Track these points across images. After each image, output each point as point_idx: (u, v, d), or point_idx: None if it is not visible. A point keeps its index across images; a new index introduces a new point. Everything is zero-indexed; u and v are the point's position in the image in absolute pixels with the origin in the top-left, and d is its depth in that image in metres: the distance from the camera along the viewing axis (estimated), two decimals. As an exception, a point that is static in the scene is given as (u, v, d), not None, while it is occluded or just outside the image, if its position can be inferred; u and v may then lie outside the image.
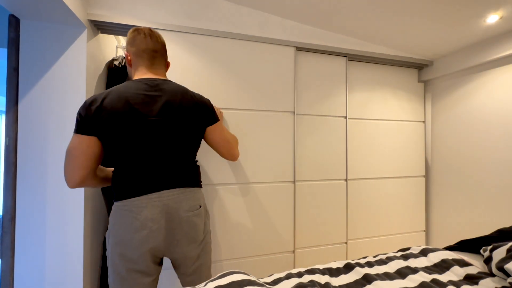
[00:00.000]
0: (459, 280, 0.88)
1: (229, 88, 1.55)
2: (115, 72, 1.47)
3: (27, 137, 1.23)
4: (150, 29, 1.03)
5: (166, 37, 1.44)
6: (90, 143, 0.90)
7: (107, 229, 0.99)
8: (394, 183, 1.98)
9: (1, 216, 1.69)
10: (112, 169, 1.02)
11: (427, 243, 2.10)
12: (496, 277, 0.87)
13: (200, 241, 1.03)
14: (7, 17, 1.21)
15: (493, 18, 1.44)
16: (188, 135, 1.01)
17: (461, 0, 1.33)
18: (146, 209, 0.92)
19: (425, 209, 2.08)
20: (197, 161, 1.11)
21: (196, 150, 1.08)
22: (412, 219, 2.04)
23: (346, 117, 1.84)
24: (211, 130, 1.09)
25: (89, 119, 0.88)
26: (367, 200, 1.91)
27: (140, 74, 1.00)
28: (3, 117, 3.57)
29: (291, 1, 1.51)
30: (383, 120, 1.96)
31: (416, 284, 0.84)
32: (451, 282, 0.85)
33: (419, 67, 2.07)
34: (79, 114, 0.90)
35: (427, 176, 2.12)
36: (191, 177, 1.04)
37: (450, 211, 1.95)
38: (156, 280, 0.99)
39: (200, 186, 1.08)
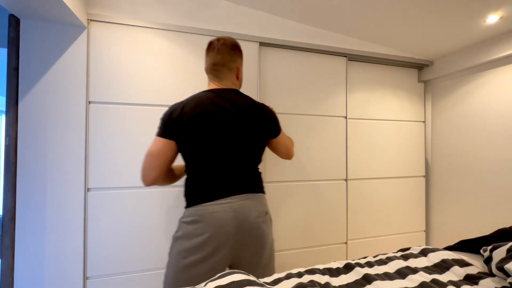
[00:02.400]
0: (459, 280, 0.87)
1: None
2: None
3: (27, 137, 1.23)
4: (224, 41, 1.06)
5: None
6: (170, 146, 0.97)
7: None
8: (394, 183, 1.98)
9: (1, 216, 1.69)
10: (180, 165, 1.12)
11: (427, 243, 2.10)
12: (496, 277, 0.87)
13: (268, 249, 1.05)
14: (7, 17, 1.21)
15: (493, 18, 1.44)
16: (255, 143, 1.05)
17: (461, 0, 1.33)
18: (217, 215, 0.95)
19: (425, 209, 2.08)
20: (259, 168, 1.13)
21: (260, 158, 1.11)
22: (412, 219, 2.04)
23: (346, 117, 1.84)
24: (274, 141, 1.15)
25: (171, 125, 0.96)
26: (367, 200, 1.90)
27: (210, 85, 1.08)
28: (3, 117, 3.57)
29: (291, 1, 1.51)
30: (383, 120, 1.96)
31: (416, 284, 0.84)
32: (451, 282, 0.85)
33: (419, 67, 2.07)
34: (163, 119, 0.99)
35: (427, 176, 2.12)
36: (257, 183, 1.07)
37: (450, 211, 1.95)
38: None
39: (264, 192, 1.10)
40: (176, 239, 1.00)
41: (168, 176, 1.04)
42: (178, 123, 0.96)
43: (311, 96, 1.75)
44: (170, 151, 0.97)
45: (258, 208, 1.02)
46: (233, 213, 0.97)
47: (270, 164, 1.65)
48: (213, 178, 0.99)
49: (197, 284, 0.93)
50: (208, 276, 0.95)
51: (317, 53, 1.76)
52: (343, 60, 1.83)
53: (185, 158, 1.01)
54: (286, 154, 1.22)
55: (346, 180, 1.84)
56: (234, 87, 1.09)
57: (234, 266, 1.02)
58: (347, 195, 1.84)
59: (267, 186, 1.64)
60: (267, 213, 1.06)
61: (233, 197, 0.98)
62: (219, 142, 0.98)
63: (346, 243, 1.84)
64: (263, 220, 1.02)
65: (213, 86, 1.07)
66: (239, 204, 0.98)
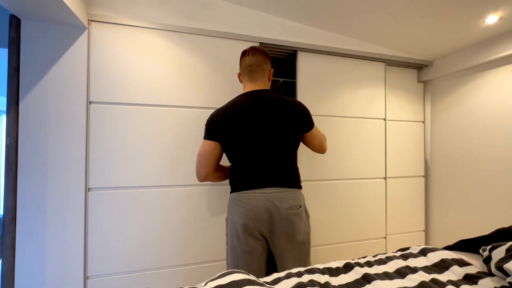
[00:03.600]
0: (459, 280, 0.88)
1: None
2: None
3: (27, 137, 1.24)
4: (257, 47, 1.22)
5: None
6: (215, 147, 1.14)
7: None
8: (394, 183, 1.98)
9: (2, 216, 1.69)
10: (228, 165, 1.26)
11: (426, 243, 2.10)
12: (495, 277, 0.87)
13: (298, 240, 1.14)
14: (8, 18, 1.22)
15: (492, 19, 1.45)
16: (287, 139, 1.15)
17: (460, 1, 1.34)
18: (253, 201, 1.10)
19: (424, 209, 2.09)
20: (295, 163, 1.22)
21: (295, 153, 1.21)
22: (411, 219, 2.04)
23: (385, 119, 1.93)
24: (308, 135, 1.23)
25: (213, 128, 1.13)
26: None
27: (245, 88, 1.21)
28: (4, 117, 3.57)
29: (293, 1, 1.51)
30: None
31: (415, 284, 0.84)
32: (450, 282, 0.85)
33: (418, 67, 2.07)
34: (207, 125, 1.16)
35: (426, 176, 2.12)
36: (291, 178, 1.16)
37: (449, 210, 1.95)
38: (262, 266, 1.15)
39: (300, 187, 1.20)
40: (226, 220, 1.19)
41: (218, 172, 1.22)
42: (219, 127, 1.11)
43: (351, 100, 1.84)
44: (215, 150, 1.15)
45: (290, 201, 1.12)
46: (266, 202, 1.09)
47: (315, 164, 1.72)
48: (250, 170, 1.13)
49: (251, 258, 1.11)
50: (255, 254, 1.12)
51: (355, 59, 1.85)
52: (382, 65, 1.91)
53: (228, 154, 1.17)
54: (319, 147, 1.30)
55: (385, 178, 1.93)
56: (265, 87, 1.21)
57: (272, 250, 1.16)
58: (386, 192, 1.93)
59: (312, 184, 1.72)
60: (300, 206, 1.16)
61: (267, 188, 1.11)
62: (255, 139, 1.11)
63: (385, 237, 1.91)
64: (294, 213, 1.12)
65: (248, 88, 1.19)
66: (272, 195, 1.10)
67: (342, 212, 1.81)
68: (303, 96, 1.71)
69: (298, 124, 1.17)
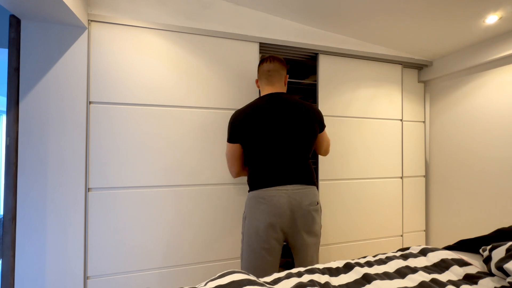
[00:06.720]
0: (459, 280, 0.88)
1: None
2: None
3: (27, 137, 1.24)
4: (274, 55, 1.31)
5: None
6: (237, 148, 1.23)
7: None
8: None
9: (2, 216, 1.69)
10: None
11: (426, 243, 2.10)
12: (495, 277, 0.87)
13: (316, 234, 1.22)
14: (8, 18, 1.22)
15: (492, 19, 1.45)
16: (305, 138, 1.21)
17: (460, 1, 1.34)
18: (276, 198, 1.14)
19: (424, 209, 2.09)
20: (310, 162, 1.27)
21: (310, 153, 1.27)
22: (411, 219, 2.04)
23: (402, 120, 1.98)
24: (320, 135, 1.31)
25: (234, 131, 1.20)
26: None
27: (264, 91, 1.28)
28: (4, 117, 3.57)
29: (290, 0, 1.51)
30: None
31: (415, 284, 0.84)
32: (450, 282, 0.85)
33: (419, 67, 2.07)
34: (229, 128, 1.23)
35: (427, 176, 2.12)
36: (308, 176, 1.23)
37: (449, 210, 1.95)
38: (277, 263, 1.18)
39: (316, 185, 1.26)
40: (244, 218, 1.22)
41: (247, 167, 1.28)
42: (239, 129, 1.19)
43: (369, 101, 1.89)
44: (239, 151, 1.24)
45: (310, 198, 1.19)
46: (288, 198, 1.15)
47: (336, 164, 1.77)
48: (270, 169, 1.18)
49: (269, 254, 1.14)
50: (274, 250, 1.15)
51: (371, 61, 1.90)
52: (398, 67, 1.96)
53: (248, 155, 1.22)
54: (325, 149, 1.38)
55: (401, 177, 1.98)
56: (282, 90, 1.28)
57: (292, 245, 1.20)
58: (402, 191, 1.98)
59: (332, 184, 1.79)
60: (318, 203, 1.22)
61: (288, 185, 1.16)
62: (275, 138, 1.17)
63: (402, 235, 1.97)
64: (314, 209, 1.19)
65: (267, 91, 1.26)
66: (293, 192, 1.16)
67: (360, 210, 1.86)
68: (323, 96, 1.76)
69: (314, 125, 1.23)
